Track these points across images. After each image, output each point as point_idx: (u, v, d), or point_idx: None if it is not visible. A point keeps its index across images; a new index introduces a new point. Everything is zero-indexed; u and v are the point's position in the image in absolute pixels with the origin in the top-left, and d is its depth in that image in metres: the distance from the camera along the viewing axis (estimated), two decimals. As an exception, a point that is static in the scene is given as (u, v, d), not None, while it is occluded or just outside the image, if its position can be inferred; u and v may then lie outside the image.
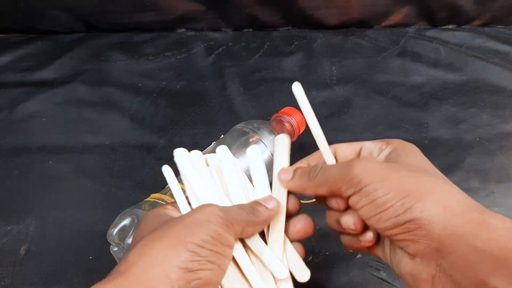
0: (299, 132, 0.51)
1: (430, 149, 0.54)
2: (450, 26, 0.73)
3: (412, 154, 0.29)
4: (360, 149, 0.31)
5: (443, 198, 0.24)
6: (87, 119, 0.57)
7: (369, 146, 0.30)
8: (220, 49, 0.68)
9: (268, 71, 0.64)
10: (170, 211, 0.28)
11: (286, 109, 0.51)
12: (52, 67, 0.63)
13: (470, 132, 0.56)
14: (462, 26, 0.72)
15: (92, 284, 0.42)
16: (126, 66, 0.64)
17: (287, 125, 0.50)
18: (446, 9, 0.70)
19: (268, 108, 0.59)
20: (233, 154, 0.43)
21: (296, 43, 0.69)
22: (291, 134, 0.51)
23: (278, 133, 0.47)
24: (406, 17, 0.71)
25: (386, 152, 0.29)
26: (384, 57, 0.67)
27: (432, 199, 0.24)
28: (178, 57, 0.66)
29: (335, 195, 0.28)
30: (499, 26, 0.72)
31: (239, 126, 0.47)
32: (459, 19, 0.72)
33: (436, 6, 0.69)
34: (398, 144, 0.29)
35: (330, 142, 0.55)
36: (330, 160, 0.31)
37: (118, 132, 0.55)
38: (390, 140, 0.29)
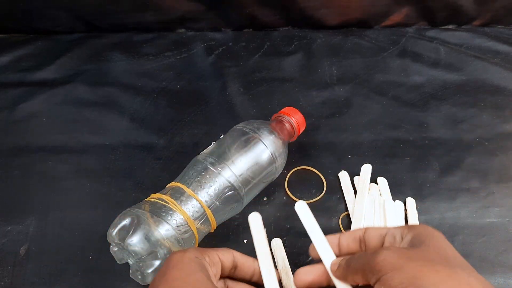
0: (299, 132, 0.51)
1: (430, 149, 0.54)
2: (450, 26, 0.73)
3: (435, 239, 0.28)
4: (386, 234, 0.31)
5: None
6: (87, 119, 0.57)
7: (394, 232, 0.31)
8: (220, 49, 0.68)
9: (268, 71, 0.64)
10: (202, 260, 0.31)
11: (286, 109, 0.51)
12: (52, 67, 0.63)
13: (470, 132, 0.56)
14: (462, 26, 0.72)
15: (92, 284, 0.42)
16: (126, 66, 0.64)
17: (287, 125, 0.50)
18: (446, 9, 0.69)
19: (268, 108, 0.59)
20: (233, 154, 0.43)
21: (296, 43, 0.69)
22: (291, 135, 0.51)
23: (278, 133, 0.47)
24: (406, 17, 0.71)
25: (408, 237, 0.29)
26: (384, 57, 0.67)
27: None
28: (178, 57, 0.66)
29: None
30: (499, 26, 0.72)
31: (239, 126, 0.47)
32: (459, 19, 0.72)
33: (436, 6, 0.69)
34: (422, 228, 0.29)
35: (331, 142, 0.55)
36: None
37: (118, 132, 0.55)
38: (413, 225, 0.31)
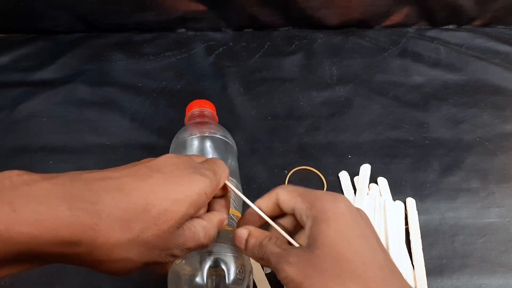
0: (215, 112, 0.51)
1: (430, 149, 0.54)
2: (451, 26, 0.73)
3: (341, 225, 0.28)
4: (294, 209, 0.31)
5: None
6: (87, 119, 0.57)
7: (300, 210, 0.30)
8: (221, 49, 0.68)
9: (269, 71, 0.64)
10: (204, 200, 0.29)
11: (194, 104, 0.50)
12: (53, 67, 0.63)
13: (471, 132, 0.56)
14: (463, 26, 0.72)
15: (92, 284, 0.42)
16: (126, 66, 0.64)
17: (207, 113, 0.49)
18: (447, 9, 0.69)
19: (268, 108, 0.59)
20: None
21: (296, 43, 0.69)
22: (215, 121, 0.50)
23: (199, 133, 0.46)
24: (407, 17, 0.71)
25: (310, 223, 0.28)
26: (385, 57, 0.67)
27: None
28: (179, 57, 0.66)
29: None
30: (500, 26, 0.72)
31: (184, 139, 0.46)
32: (459, 19, 0.72)
33: (437, 6, 0.69)
34: (326, 208, 0.28)
35: (331, 142, 0.55)
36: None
37: (118, 132, 0.55)
38: (315, 201, 0.29)
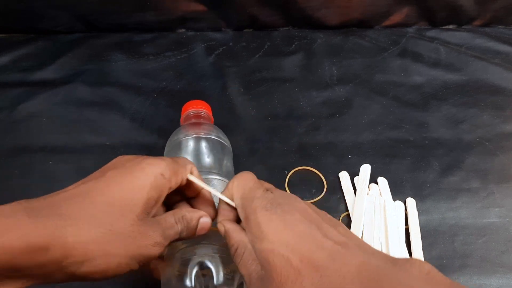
0: (211, 113, 0.51)
1: (430, 149, 0.54)
2: (451, 26, 0.73)
3: (263, 244, 0.27)
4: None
5: None
6: (87, 119, 0.57)
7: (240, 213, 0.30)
8: (221, 49, 0.68)
9: (268, 71, 0.64)
10: (164, 183, 0.29)
11: (189, 105, 0.50)
12: (52, 67, 0.63)
13: (471, 132, 0.56)
14: (463, 26, 0.72)
15: (92, 284, 0.42)
16: (126, 66, 0.64)
17: (202, 113, 0.49)
18: (447, 9, 0.69)
19: (268, 108, 0.59)
20: (213, 162, 0.43)
21: (296, 43, 0.69)
22: (211, 121, 0.50)
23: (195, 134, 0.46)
24: (407, 17, 0.71)
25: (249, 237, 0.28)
26: (385, 57, 0.67)
27: None
28: (179, 57, 0.66)
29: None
30: (500, 26, 0.72)
31: (179, 139, 0.46)
32: (459, 19, 0.72)
33: (437, 6, 0.69)
34: (254, 220, 0.28)
35: (331, 142, 0.55)
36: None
37: (119, 132, 0.55)
38: (247, 216, 0.28)
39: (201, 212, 0.31)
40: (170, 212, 0.29)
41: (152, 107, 0.59)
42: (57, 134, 0.55)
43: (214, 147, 0.44)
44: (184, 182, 0.31)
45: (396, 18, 0.71)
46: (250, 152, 0.53)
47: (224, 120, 0.57)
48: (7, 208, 0.23)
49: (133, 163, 0.28)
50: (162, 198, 0.28)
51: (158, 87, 0.61)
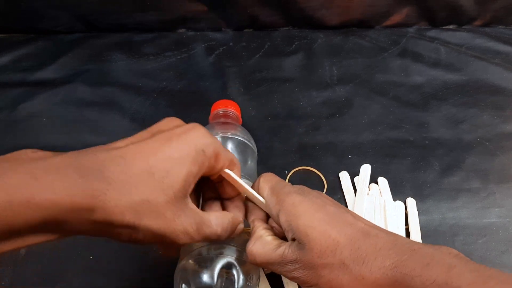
0: (239, 113, 0.51)
1: (430, 149, 0.54)
2: (451, 26, 0.73)
3: (306, 221, 0.30)
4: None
5: None
6: (88, 119, 0.57)
7: (268, 206, 0.33)
8: (221, 49, 0.68)
9: (269, 71, 0.64)
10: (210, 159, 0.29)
11: (219, 104, 0.50)
12: (53, 67, 0.63)
13: (471, 132, 0.56)
14: (463, 26, 0.72)
15: (92, 284, 0.42)
16: (127, 66, 0.64)
17: (231, 114, 0.50)
18: (447, 9, 0.69)
19: (268, 108, 0.59)
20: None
21: (296, 43, 0.69)
22: (239, 122, 0.51)
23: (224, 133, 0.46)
24: (407, 17, 0.71)
25: (283, 219, 0.31)
26: (385, 57, 0.67)
27: None
28: (179, 57, 0.66)
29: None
30: (500, 27, 0.72)
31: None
32: (459, 19, 0.72)
33: (437, 6, 0.69)
34: (291, 209, 0.31)
35: (331, 142, 0.55)
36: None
37: (119, 132, 0.55)
38: (280, 201, 0.32)
39: (240, 219, 0.32)
40: (217, 214, 0.30)
41: (152, 107, 0.59)
42: (57, 134, 0.55)
43: (240, 148, 0.44)
44: (222, 169, 0.31)
45: (396, 18, 0.71)
46: (250, 152, 0.53)
47: (224, 120, 0.57)
48: (58, 160, 0.23)
49: (181, 130, 0.28)
50: (198, 177, 0.28)
51: (158, 87, 0.61)
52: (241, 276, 0.33)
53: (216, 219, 0.29)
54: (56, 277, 0.42)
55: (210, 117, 0.50)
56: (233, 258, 0.33)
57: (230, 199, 0.33)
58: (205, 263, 0.33)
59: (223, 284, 0.32)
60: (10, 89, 0.60)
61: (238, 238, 0.34)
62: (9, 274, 0.42)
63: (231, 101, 0.51)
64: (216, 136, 0.44)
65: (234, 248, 0.34)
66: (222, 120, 0.48)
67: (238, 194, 0.33)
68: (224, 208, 0.33)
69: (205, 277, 0.32)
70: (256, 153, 0.47)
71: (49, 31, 0.69)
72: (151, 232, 0.25)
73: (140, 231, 0.25)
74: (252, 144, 0.46)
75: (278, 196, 0.31)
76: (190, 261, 0.33)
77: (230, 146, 0.44)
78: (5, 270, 0.43)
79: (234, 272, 0.33)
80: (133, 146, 0.26)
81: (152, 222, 0.25)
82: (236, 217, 0.31)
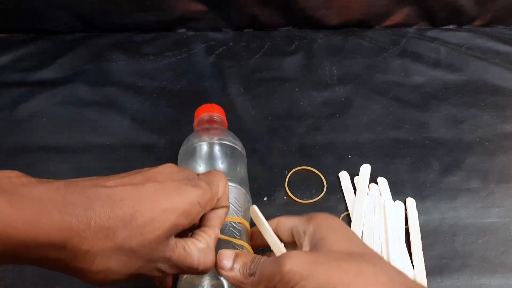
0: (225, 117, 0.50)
1: (430, 149, 0.54)
2: (451, 26, 0.73)
3: (337, 232, 0.29)
4: (292, 228, 0.32)
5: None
6: (88, 119, 0.57)
7: (297, 226, 0.31)
8: (221, 49, 0.68)
9: (269, 71, 0.64)
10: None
11: (203, 109, 0.49)
12: (53, 67, 0.63)
13: (471, 132, 0.56)
14: (463, 27, 0.72)
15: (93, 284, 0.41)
16: (127, 66, 0.64)
17: (216, 118, 0.49)
18: (447, 9, 0.69)
19: (268, 108, 0.59)
20: (228, 168, 0.42)
21: (296, 43, 0.69)
22: (224, 126, 0.50)
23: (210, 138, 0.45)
24: (407, 17, 0.71)
25: (310, 230, 0.29)
26: (385, 57, 0.67)
27: None
28: (179, 57, 0.66)
29: None
30: (500, 27, 0.72)
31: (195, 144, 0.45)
32: (459, 19, 0.72)
33: (437, 6, 0.69)
34: (322, 220, 0.30)
35: (331, 142, 0.56)
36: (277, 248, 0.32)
37: (119, 132, 0.55)
38: (312, 216, 0.31)
39: (214, 236, 0.30)
40: (188, 242, 0.28)
41: (152, 107, 0.59)
42: (57, 134, 0.55)
43: (228, 153, 0.44)
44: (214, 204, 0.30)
45: (396, 18, 0.71)
46: (250, 152, 0.53)
47: (224, 120, 0.57)
48: (40, 190, 0.23)
49: (175, 184, 0.27)
50: (191, 225, 0.28)
51: (158, 87, 0.61)
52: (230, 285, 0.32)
53: (199, 254, 0.28)
54: (56, 277, 0.42)
55: (195, 123, 0.49)
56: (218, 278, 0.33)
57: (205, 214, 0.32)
58: (195, 279, 0.33)
59: None
60: (10, 89, 0.60)
61: (222, 244, 0.33)
62: (9, 274, 0.42)
63: (215, 105, 0.50)
64: (203, 142, 0.44)
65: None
66: (207, 126, 0.48)
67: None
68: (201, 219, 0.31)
69: None
70: (245, 156, 0.47)
71: (49, 31, 0.69)
72: (123, 275, 0.25)
73: (110, 275, 0.25)
74: (240, 147, 0.46)
75: (310, 219, 0.30)
76: (184, 281, 0.33)
77: (218, 151, 0.43)
78: (5, 270, 0.43)
79: (224, 281, 0.32)
80: (123, 188, 0.25)
81: (125, 266, 0.25)
82: (215, 236, 0.30)
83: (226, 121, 0.50)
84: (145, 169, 0.29)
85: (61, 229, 0.22)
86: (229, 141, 0.45)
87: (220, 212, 0.32)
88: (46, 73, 0.63)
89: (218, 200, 0.31)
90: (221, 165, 0.42)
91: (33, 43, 0.67)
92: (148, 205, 0.25)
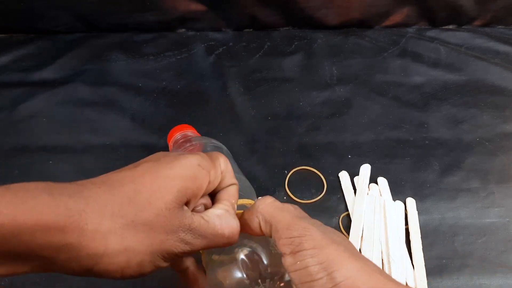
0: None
1: (430, 149, 0.54)
2: (451, 26, 0.73)
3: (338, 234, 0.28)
4: None
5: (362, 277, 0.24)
6: (88, 119, 0.57)
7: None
8: (221, 49, 0.68)
9: (269, 71, 0.64)
10: (204, 174, 0.26)
11: (173, 133, 0.49)
12: (53, 67, 0.63)
13: (471, 132, 0.56)
14: (463, 26, 0.72)
15: (92, 284, 0.42)
16: (127, 66, 0.64)
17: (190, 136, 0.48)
18: (447, 9, 0.70)
19: (268, 108, 0.59)
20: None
21: (296, 43, 0.69)
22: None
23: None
24: (407, 17, 0.71)
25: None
26: (385, 57, 0.67)
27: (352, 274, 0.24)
28: (179, 57, 0.66)
29: (265, 234, 0.27)
30: (500, 27, 0.72)
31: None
32: (459, 19, 0.72)
33: (437, 6, 0.69)
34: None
35: (331, 142, 0.56)
36: None
37: (119, 132, 0.55)
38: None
39: (232, 203, 0.29)
40: (206, 212, 0.26)
41: (152, 107, 0.59)
42: (57, 134, 0.55)
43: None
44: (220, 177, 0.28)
45: (396, 18, 0.71)
46: (250, 152, 0.53)
47: (224, 120, 0.57)
48: (31, 185, 0.21)
49: (170, 157, 0.25)
50: (202, 192, 0.26)
51: (158, 87, 0.61)
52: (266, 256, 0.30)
53: (220, 220, 0.26)
54: (56, 277, 0.42)
55: (170, 149, 0.48)
56: (251, 245, 0.31)
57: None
58: (227, 263, 0.30)
59: (254, 272, 0.29)
60: (10, 89, 0.60)
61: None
62: (9, 274, 0.42)
63: (181, 126, 0.49)
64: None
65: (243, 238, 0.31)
66: (186, 145, 0.47)
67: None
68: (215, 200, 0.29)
69: (235, 275, 0.29)
70: (229, 152, 0.47)
71: (49, 31, 0.69)
72: (148, 254, 0.23)
73: (132, 256, 0.22)
74: (221, 145, 0.46)
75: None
76: (213, 276, 0.30)
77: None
78: (5, 270, 0.42)
79: (259, 256, 0.30)
80: (117, 173, 0.24)
81: (143, 243, 0.22)
82: (232, 203, 0.28)
83: (195, 129, 0.49)
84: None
85: (54, 208, 0.20)
86: (213, 143, 0.44)
87: (231, 189, 0.29)
88: (46, 73, 0.63)
89: (222, 175, 0.28)
90: None
91: (33, 43, 0.67)
92: (148, 177, 0.23)
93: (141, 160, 0.26)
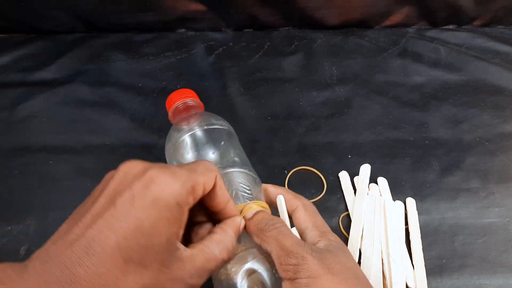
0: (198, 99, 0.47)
1: (430, 149, 0.54)
2: (451, 26, 0.73)
3: (344, 254, 0.29)
4: (305, 229, 0.31)
5: None
6: (87, 119, 0.57)
7: (311, 233, 0.30)
8: (221, 49, 0.68)
9: (268, 71, 0.64)
10: (183, 207, 0.25)
11: (174, 98, 0.44)
12: (53, 67, 0.63)
13: (470, 132, 0.56)
14: (463, 26, 0.72)
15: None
16: (127, 66, 0.64)
17: (191, 103, 0.44)
18: (447, 9, 0.70)
19: (268, 108, 0.59)
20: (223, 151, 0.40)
21: (296, 43, 0.69)
22: (200, 106, 0.46)
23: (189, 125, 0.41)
24: (407, 17, 0.71)
25: (321, 244, 0.29)
26: (385, 57, 0.67)
27: None
28: (179, 57, 0.66)
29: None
30: (500, 26, 0.72)
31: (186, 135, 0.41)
32: (459, 19, 0.72)
33: (437, 6, 0.69)
34: (334, 239, 0.30)
35: (331, 142, 0.56)
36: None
37: (119, 132, 0.55)
38: (327, 233, 0.30)
39: (235, 225, 0.29)
40: (205, 242, 0.26)
41: (152, 107, 0.59)
42: (57, 134, 0.55)
43: (217, 137, 0.40)
44: (207, 191, 0.27)
45: (396, 18, 0.71)
46: (250, 152, 0.53)
47: (224, 120, 0.57)
48: (21, 284, 0.21)
49: (141, 186, 0.23)
50: (184, 224, 0.25)
51: (158, 87, 0.61)
52: (269, 272, 0.30)
53: (218, 245, 0.26)
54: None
55: (170, 116, 0.45)
56: (253, 261, 0.31)
57: (218, 212, 0.29)
58: (232, 280, 0.30)
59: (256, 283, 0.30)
60: (10, 89, 0.60)
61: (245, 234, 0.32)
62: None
63: (184, 90, 0.45)
64: (186, 135, 0.39)
65: (248, 250, 0.31)
66: (184, 115, 0.43)
67: (225, 206, 0.29)
68: (217, 222, 0.30)
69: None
70: (234, 132, 0.43)
71: (49, 31, 0.69)
72: None
73: None
74: (226, 125, 0.42)
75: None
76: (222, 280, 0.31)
77: (206, 139, 0.39)
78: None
79: (262, 273, 0.30)
80: (96, 225, 0.22)
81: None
82: (235, 224, 0.29)
83: (201, 102, 0.46)
84: (105, 182, 0.25)
85: None
86: (211, 124, 0.40)
87: (223, 195, 0.29)
88: (46, 73, 0.63)
89: (215, 190, 0.28)
90: (212, 155, 0.38)
91: (33, 43, 0.67)
92: (129, 235, 0.22)
93: (113, 190, 0.24)
